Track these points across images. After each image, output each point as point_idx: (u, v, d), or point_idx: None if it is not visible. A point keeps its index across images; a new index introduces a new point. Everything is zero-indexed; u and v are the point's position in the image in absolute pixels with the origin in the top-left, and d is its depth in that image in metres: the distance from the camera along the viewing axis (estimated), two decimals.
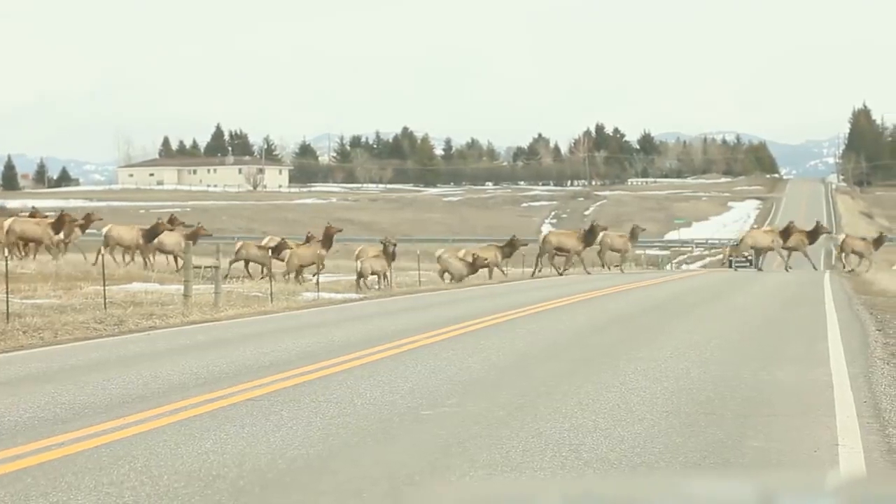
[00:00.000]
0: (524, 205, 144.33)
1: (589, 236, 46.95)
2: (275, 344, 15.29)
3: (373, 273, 32.10)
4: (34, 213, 42.00)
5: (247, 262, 37.94)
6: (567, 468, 7.41)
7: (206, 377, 11.81)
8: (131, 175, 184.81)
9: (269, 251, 35.84)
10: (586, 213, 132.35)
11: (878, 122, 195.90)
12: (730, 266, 61.22)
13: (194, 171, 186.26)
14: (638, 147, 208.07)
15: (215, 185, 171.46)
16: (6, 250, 36.69)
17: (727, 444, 8.13)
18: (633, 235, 50.18)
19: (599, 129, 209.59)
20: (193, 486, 6.90)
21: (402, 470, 7.33)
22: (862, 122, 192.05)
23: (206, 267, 31.99)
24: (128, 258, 38.37)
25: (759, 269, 48.84)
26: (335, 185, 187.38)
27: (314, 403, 9.92)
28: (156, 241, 38.60)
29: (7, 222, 37.74)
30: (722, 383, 11.17)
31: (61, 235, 38.61)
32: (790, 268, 48.25)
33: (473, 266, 40.38)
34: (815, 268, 46.99)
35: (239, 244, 38.87)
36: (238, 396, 10.34)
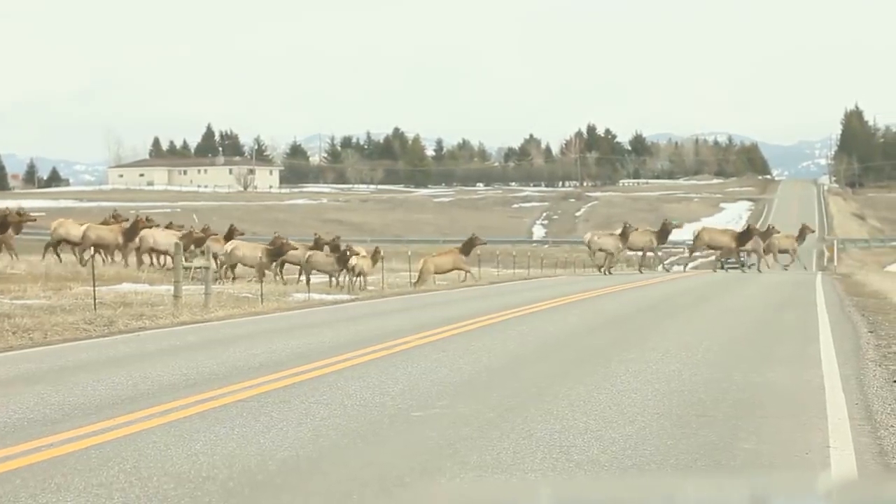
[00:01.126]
0: (515, 206, 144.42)
1: (743, 237, 48.81)
2: (265, 345, 15.24)
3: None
4: (115, 217, 41.47)
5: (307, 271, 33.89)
6: (558, 470, 7.39)
7: (196, 378, 11.77)
8: (121, 175, 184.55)
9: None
10: (577, 214, 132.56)
11: (871, 123, 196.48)
12: (721, 267, 61.33)
13: (184, 172, 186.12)
14: (629, 148, 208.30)
15: (205, 186, 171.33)
16: (82, 256, 36.79)
17: (719, 447, 8.11)
18: (802, 236, 51.53)
19: (591, 129, 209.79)
20: (183, 488, 6.87)
21: (393, 471, 7.30)
22: (854, 124, 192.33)
23: (196, 268, 31.90)
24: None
25: None
26: (326, 185, 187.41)
27: (304, 405, 9.89)
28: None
29: (82, 229, 37.68)
30: (714, 385, 11.16)
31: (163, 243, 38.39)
32: None
33: (624, 234, 46.34)
34: None
35: (308, 254, 33.91)
36: (228, 398, 10.30)
